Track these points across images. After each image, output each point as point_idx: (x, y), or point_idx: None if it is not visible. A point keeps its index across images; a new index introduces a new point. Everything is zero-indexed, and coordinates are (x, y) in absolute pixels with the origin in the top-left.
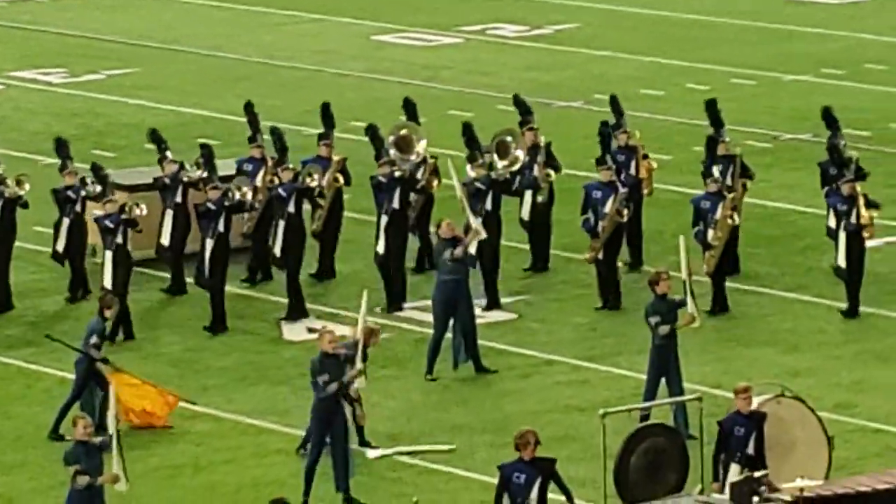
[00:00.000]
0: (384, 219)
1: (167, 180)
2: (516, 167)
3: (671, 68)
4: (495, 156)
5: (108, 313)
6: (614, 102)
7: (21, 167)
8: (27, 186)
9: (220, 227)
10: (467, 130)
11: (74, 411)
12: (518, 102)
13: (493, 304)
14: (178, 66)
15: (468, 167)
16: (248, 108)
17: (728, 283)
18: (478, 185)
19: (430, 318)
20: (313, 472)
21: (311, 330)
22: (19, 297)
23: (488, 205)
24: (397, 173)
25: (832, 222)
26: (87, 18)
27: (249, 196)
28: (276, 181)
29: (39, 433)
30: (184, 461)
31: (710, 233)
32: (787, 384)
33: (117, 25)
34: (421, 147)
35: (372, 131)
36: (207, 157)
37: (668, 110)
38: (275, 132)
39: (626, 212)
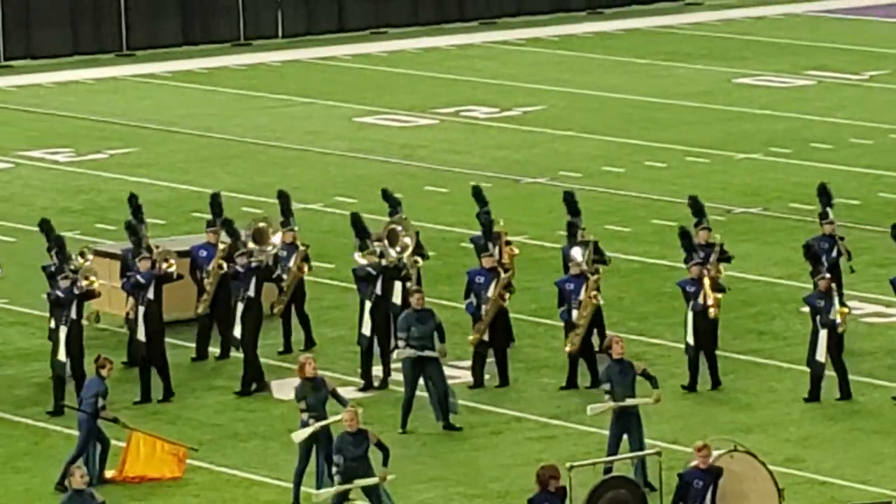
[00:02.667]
0: (240, 306)
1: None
2: (406, 254)
3: (631, 147)
4: (386, 243)
5: (103, 372)
6: (477, 194)
7: (29, 240)
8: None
9: (73, 315)
10: (356, 221)
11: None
12: (386, 196)
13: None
14: (175, 145)
15: (357, 255)
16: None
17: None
18: (369, 270)
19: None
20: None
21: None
22: (26, 360)
23: (378, 290)
24: (254, 263)
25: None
26: (91, 102)
27: (96, 285)
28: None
29: (46, 486)
30: None
31: (575, 313)
32: (740, 440)
33: (119, 109)
34: (276, 239)
35: (227, 225)
36: (59, 248)
37: (628, 186)
38: (129, 226)
39: (508, 296)
